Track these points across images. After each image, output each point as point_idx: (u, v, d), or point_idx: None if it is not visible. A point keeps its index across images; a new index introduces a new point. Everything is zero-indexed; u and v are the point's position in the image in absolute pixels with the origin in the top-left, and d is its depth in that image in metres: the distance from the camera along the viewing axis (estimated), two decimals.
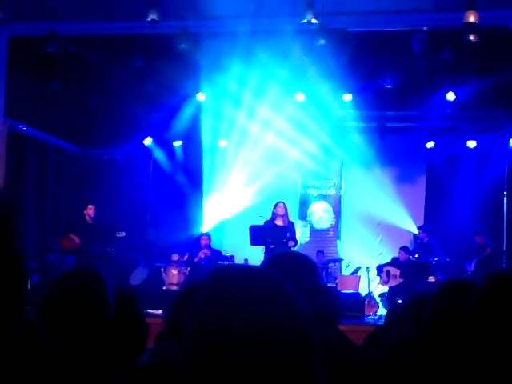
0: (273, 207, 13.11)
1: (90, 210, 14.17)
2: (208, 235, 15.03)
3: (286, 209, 13.06)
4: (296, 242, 13.22)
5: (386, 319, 4.76)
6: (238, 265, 1.74)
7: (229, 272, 1.64)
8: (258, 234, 12.94)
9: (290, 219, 13.36)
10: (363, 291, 13.99)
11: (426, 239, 15.29)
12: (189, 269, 13.87)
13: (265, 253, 12.89)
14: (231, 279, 1.60)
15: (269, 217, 13.05)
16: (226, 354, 1.50)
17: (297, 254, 3.07)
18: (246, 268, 1.69)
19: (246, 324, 1.51)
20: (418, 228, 15.93)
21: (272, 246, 12.50)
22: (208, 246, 14.67)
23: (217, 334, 1.51)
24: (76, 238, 13.71)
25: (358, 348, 2.97)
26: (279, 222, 12.91)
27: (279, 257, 2.97)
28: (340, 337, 2.77)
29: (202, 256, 14.33)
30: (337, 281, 14.06)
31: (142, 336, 3.37)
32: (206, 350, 1.53)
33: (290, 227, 13.09)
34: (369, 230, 16.60)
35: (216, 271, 1.65)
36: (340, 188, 17.42)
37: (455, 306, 2.80)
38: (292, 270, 2.64)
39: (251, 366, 1.50)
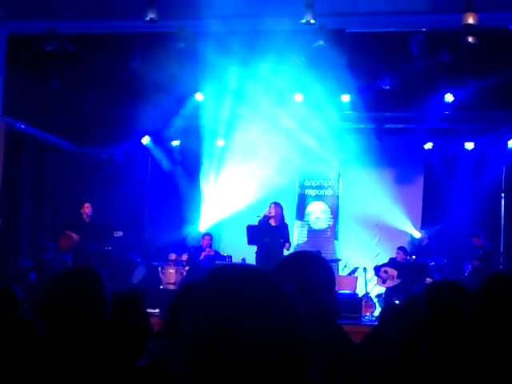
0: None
1: (87, 209, 14.18)
2: (210, 235, 15.05)
3: (277, 209, 13.05)
4: (290, 244, 13.25)
5: (379, 320, 4.77)
6: (236, 264, 1.72)
7: (226, 271, 1.62)
8: (254, 234, 12.96)
9: (286, 221, 13.37)
10: (360, 292, 13.99)
11: (426, 241, 15.35)
12: (187, 268, 13.87)
13: (256, 252, 12.92)
14: (229, 279, 1.59)
15: (261, 216, 13.06)
16: (223, 354, 1.50)
17: (317, 255, 3.19)
18: (244, 267, 1.68)
19: (244, 325, 1.50)
20: (421, 230, 15.99)
21: (266, 241, 12.56)
22: (210, 246, 14.69)
23: (214, 335, 1.51)
24: (74, 235, 13.72)
25: (359, 348, 2.99)
26: (272, 222, 12.95)
27: (300, 256, 3.10)
28: (343, 335, 2.81)
29: (205, 255, 14.32)
30: None
31: (144, 337, 3.37)
32: (203, 351, 1.52)
33: (282, 228, 13.08)
34: (366, 231, 16.60)
35: (213, 271, 1.63)
36: (338, 188, 17.41)
37: (443, 307, 2.81)
38: (312, 270, 2.81)
39: (248, 367, 1.49)
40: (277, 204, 13.15)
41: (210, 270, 1.65)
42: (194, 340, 1.54)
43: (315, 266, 2.88)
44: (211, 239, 14.94)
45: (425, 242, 15.47)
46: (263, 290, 1.57)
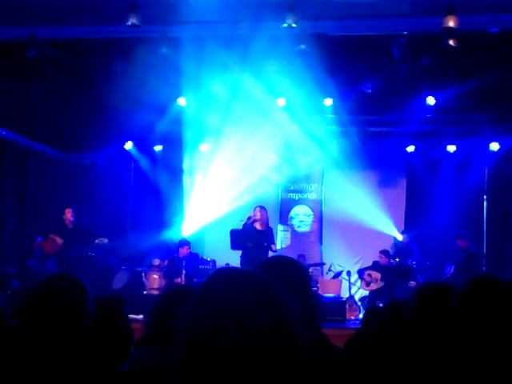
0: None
1: (68, 214, 14.13)
2: (188, 244, 14.46)
3: (263, 213, 12.99)
4: (275, 246, 13.24)
5: (362, 323, 4.77)
6: (235, 268, 1.75)
7: (226, 275, 1.65)
8: (238, 238, 12.92)
9: (270, 225, 13.32)
10: (344, 295, 14.03)
11: (407, 242, 15.42)
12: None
13: (241, 256, 12.88)
14: (228, 282, 1.61)
15: (245, 220, 13.00)
16: (219, 355, 1.50)
17: (289, 258, 3.16)
18: (242, 272, 1.70)
19: (240, 327, 1.51)
20: (402, 232, 16.03)
21: (250, 246, 12.52)
22: (188, 256, 14.25)
23: (210, 335, 1.52)
24: (58, 239, 13.67)
25: (341, 351, 2.99)
26: (257, 226, 12.89)
27: (272, 261, 3.09)
28: (323, 340, 2.80)
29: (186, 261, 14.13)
30: (318, 285, 14.07)
31: (126, 342, 3.36)
32: (198, 351, 1.52)
33: (267, 232, 13.03)
34: (350, 234, 16.63)
35: (214, 274, 1.66)
36: (321, 192, 17.46)
37: (433, 310, 2.82)
38: (285, 273, 2.77)
39: (242, 367, 1.50)
40: (262, 207, 13.10)
41: (210, 273, 1.68)
42: (189, 341, 1.55)
43: (288, 270, 2.89)
44: (189, 247, 14.34)
45: (405, 242, 15.53)
46: (260, 294, 1.59)
